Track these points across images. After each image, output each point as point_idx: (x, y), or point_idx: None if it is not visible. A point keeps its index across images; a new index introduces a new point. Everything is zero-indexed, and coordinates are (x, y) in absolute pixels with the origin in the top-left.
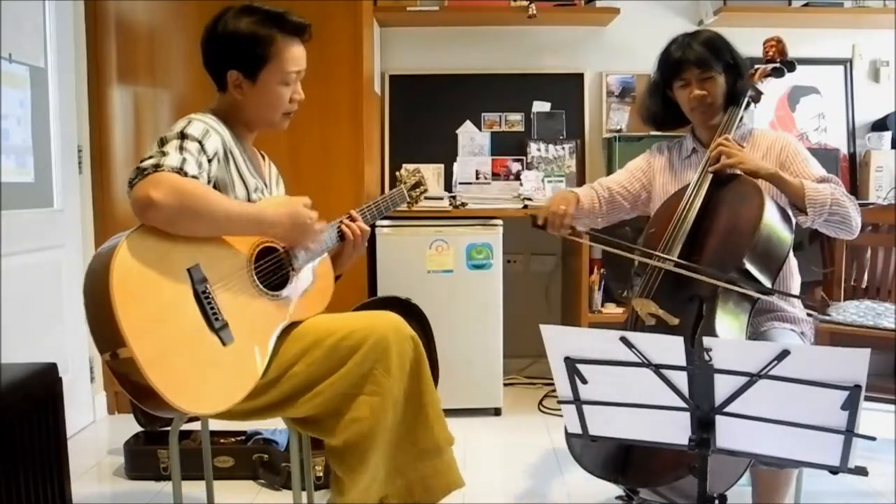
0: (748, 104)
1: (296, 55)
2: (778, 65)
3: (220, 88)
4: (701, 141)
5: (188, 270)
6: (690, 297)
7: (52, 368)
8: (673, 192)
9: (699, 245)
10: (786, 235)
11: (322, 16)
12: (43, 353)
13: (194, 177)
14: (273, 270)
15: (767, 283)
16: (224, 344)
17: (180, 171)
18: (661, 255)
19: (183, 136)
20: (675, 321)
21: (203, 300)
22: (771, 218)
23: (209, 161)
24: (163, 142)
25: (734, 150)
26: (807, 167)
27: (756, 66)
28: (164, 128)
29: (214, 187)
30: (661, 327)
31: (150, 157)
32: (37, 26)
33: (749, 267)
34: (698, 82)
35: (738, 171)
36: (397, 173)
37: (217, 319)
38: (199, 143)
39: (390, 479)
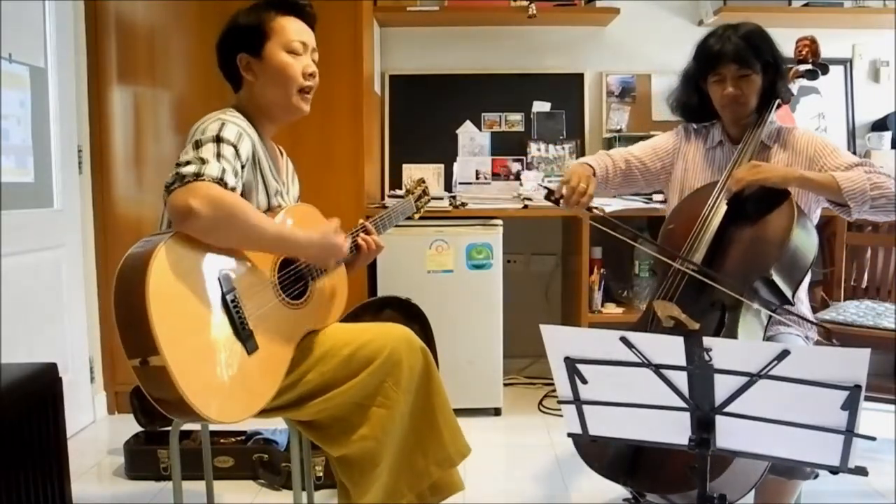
0: (778, 105)
1: (295, 27)
2: (811, 66)
3: (236, 87)
4: (729, 135)
5: (219, 279)
6: (713, 302)
7: (52, 368)
8: (696, 188)
9: (724, 250)
10: (813, 246)
11: (322, 16)
12: (43, 353)
13: (233, 188)
14: (294, 280)
15: (789, 293)
16: (249, 353)
17: (221, 181)
18: (678, 254)
19: (219, 139)
20: (696, 326)
21: (232, 309)
22: (801, 228)
23: (242, 167)
24: (198, 145)
25: (753, 169)
26: (836, 157)
27: (787, 67)
28: (165, 128)
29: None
30: (680, 331)
31: (189, 164)
32: (37, 26)
33: (775, 277)
34: (733, 80)
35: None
36: (406, 183)
37: (244, 328)
38: (235, 147)
39: (399, 491)
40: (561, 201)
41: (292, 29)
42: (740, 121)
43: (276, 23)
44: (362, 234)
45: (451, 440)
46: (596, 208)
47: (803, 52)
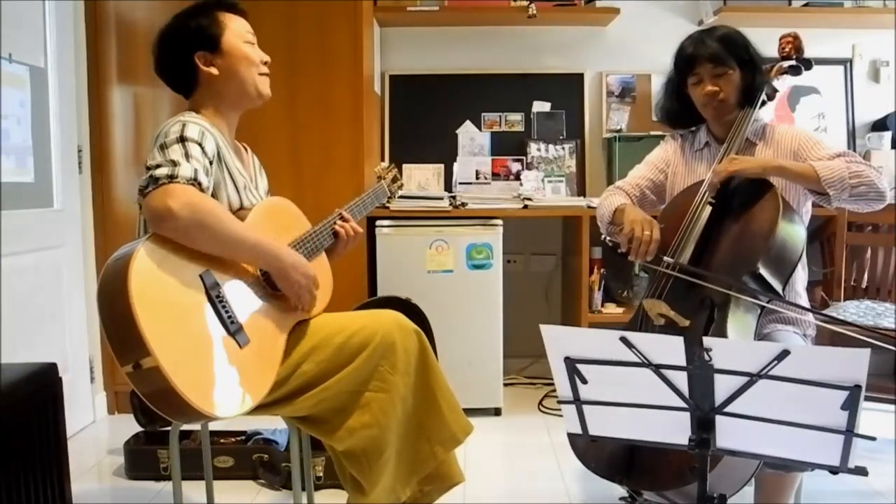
0: (763, 103)
1: (241, 21)
2: (794, 63)
3: (189, 92)
4: (714, 136)
5: (200, 276)
6: (702, 299)
7: (52, 368)
8: (683, 189)
9: (712, 247)
10: (800, 238)
11: (322, 16)
12: (43, 353)
13: (207, 187)
14: None
15: (779, 287)
16: (241, 346)
17: (195, 181)
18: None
19: (183, 139)
20: (686, 323)
21: (218, 304)
22: (787, 221)
23: (210, 163)
24: (163, 147)
25: (734, 162)
26: (819, 150)
27: (771, 63)
28: None
29: None
30: (671, 329)
31: (160, 166)
32: (37, 26)
33: (763, 271)
34: (711, 78)
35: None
36: (376, 169)
37: (232, 322)
38: (200, 145)
39: (405, 477)
40: (629, 254)
41: (240, 23)
42: (722, 118)
43: (224, 19)
44: (339, 222)
45: (454, 419)
46: (666, 258)
47: (786, 49)
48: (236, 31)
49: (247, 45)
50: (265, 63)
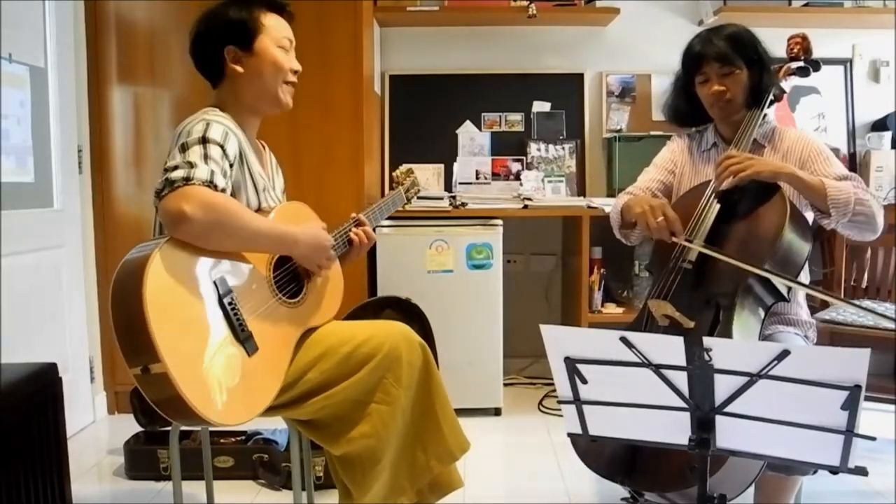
0: (771, 102)
1: (283, 24)
2: (803, 63)
3: (216, 82)
4: (722, 136)
5: (215, 283)
6: (707, 300)
7: (52, 368)
8: (689, 189)
9: (718, 247)
10: (806, 242)
11: (322, 16)
12: (43, 353)
13: (223, 189)
14: (290, 279)
15: (784, 289)
16: (249, 354)
17: (211, 183)
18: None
19: (205, 140)
20: (691, 324)
21: (229, 311)
22: (794, 224)
23: (231, 166)
24: (184, 147)
25: (745, 162)
26: (828, 166)
27: (779, 64)
28: (165, 128)
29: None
30: (676, 330)
31: (178, 168)
32: (37, 26)
33: (769, 274)
34: (718, 77)
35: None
36: (394, 174)
37: (243, 331)
38: (221, 147)
39: (400, 487)
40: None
41: (281, 26)
42: (730, 118)
43: (265, 19)
44: (354, 228)
45: (451, 435)
46: (684, 238)
47: (795, 50)
48: (272, 34)
49: (279, 50)
50: (295, 72)
